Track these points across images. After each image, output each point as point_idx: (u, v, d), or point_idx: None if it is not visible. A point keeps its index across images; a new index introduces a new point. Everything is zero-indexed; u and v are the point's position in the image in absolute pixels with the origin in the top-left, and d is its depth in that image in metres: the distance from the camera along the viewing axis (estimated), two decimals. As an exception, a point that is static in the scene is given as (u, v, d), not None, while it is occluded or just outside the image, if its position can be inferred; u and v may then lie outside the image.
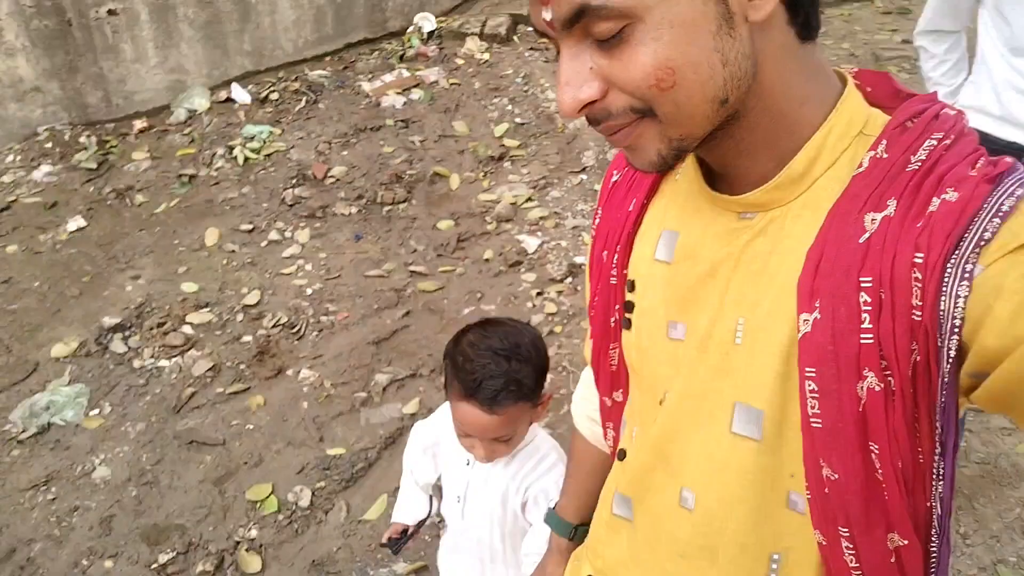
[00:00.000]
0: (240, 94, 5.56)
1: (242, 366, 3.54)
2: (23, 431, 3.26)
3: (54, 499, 3.00)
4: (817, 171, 0.79)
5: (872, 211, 0.74)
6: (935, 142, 0.75)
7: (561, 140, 5.02)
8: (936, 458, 0.75)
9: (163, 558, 2.76)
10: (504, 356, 1.55)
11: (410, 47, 6.17)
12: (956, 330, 0.70)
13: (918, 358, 0.72)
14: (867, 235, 0.73)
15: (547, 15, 0.73)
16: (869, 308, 0.73)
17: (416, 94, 5.55)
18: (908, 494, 0.77)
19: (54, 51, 5.14)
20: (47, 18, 5.05)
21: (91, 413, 3.34)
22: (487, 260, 4.12)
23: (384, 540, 1.85)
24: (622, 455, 1.03)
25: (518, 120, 5.25)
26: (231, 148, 5.02)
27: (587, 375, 1.29)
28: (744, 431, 0.83)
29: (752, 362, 0.82)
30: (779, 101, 0.78)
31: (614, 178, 1.04)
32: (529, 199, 4.55)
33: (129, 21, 5.31)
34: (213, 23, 5.60)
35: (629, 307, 0.98)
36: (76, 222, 4.48)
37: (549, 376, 1.69)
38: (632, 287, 0.98)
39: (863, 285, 0.73)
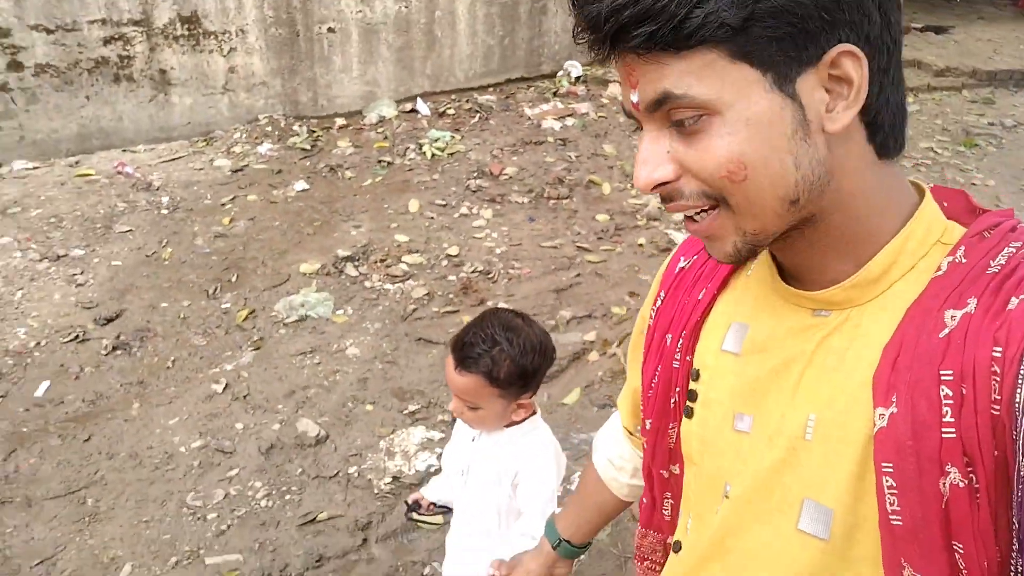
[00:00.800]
0: (422, 107, 6.59)
1: (450, 295, 4.39)
2: (286, 318, 4.13)
3: (319, 363, 3.85)
4: (894, 274, 0.81)
5: (952, 308, 0.75)
6: (1014, 249, 0.77)
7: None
8: (1013, 554, 0.71)
9: (411, 407, 3.57)
10: (496, 340, 1.70)
11: (561, 86, 7.19)
12: None
13: (996, 453, 0.71)
14: (947, 330, 0.74)
15: (634, 97, 0.77)
16: (950, 402, 0.72)
17: (571, 121, 6.52)
18: None
19: (282, 55, 6.24)
20: (282, 27, 6.17)
21: (337, 312, 4.21)
22: (640, 245, 4.97)
23: (407, 502, 2.12)
24: (677, 547, 1.02)
25: (660, 148, 6.18)
26: (420, 145, 6.01)
27: (615, 419, 1.34)
28: (810, 529, 0.81)
29: (823, 459, 0.81)
30: (858, 209, 0.80)
31: (681, 263, 1.06)
32: (673, 206, 5.41)
33: (343, 38, 6.40)
34: (405, 49, 6.68)
35: (692, 396, 0.98)
36: (301, 184, 5.46)
37: None
38: (697, 376, 0.98)
39: (943, 378, 0.72)
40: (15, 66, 5.43)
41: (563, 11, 7.27)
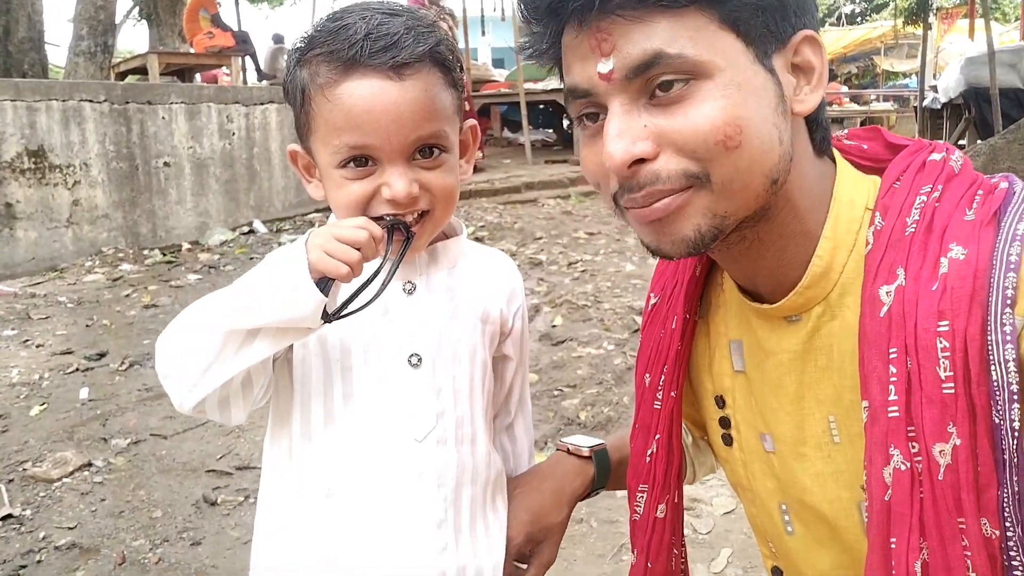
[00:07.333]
0: (259, 226, 7.11)
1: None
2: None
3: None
4: (840, 260, 0.80)
5: (884, 284, 0.73)
6: (924, 197, 0.75)
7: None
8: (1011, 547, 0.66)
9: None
10: (389, 12, 0.94)
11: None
12: (1015, 397, 0.66)
13: (958, 442, 0.67)
14: (886, 308, 0.72)
15: (605, 67, 0.72)
16: (895, 379, 0.70)
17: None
18: None
19: (122, 187, 6.49)
20: (122, 161, 6.48)
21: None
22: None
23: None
24: (777, 573, 0.97)
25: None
26: (281, 245, 6.51)
27: None
28: None
29: (856, 456, 0.77)
30: (801, 203, 0.79)
31: (652, 300, 1.02)
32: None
33: (177, 172, 6.82)
34: (231, 182, 7.24)
35: (725, 423, 0.95)
36: (193, 276, 5.67)
37: None
38: (723, 403, 0.95)
39: (891, 356, 0.71)
40: None
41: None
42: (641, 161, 0.72)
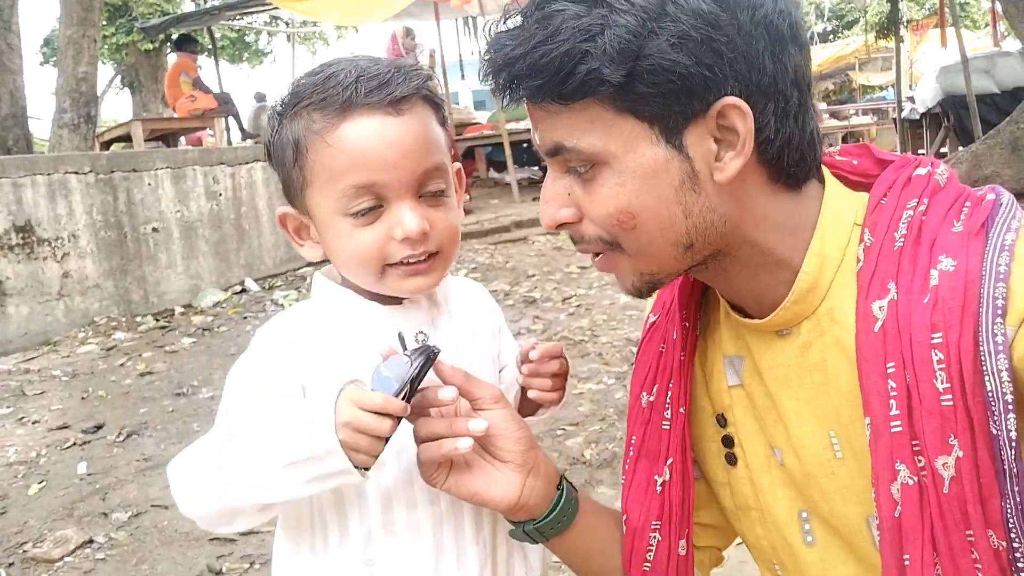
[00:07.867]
0: (251, 284, 7.11)
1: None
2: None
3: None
4: (827, 275, 0.80)
5: (877, 299, 0.74)
6: (911, 211, 0.76)
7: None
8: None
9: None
10: (371, 60, 0.96)
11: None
12: (1010, 407, 0.66)
13: (961, 454, 0.67)
14: (880, 323, 0.73)
15: (536, 140, 0.81)
16: (895, 394, 0.70)
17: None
18: None
19: (112, 256, 6.48)
20: (110, 230, 6.48)
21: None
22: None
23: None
24: None
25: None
26: (275, 302, 6.49)
27: None
28: None
29: (860, 470, 0.78)
30: (765, 239, 0.80)
31: (651, 320, 1.01)
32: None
33: (166, 237, 6.83)
34: (220, 243, 7.24)
35: (728, 441, 0.92)
36: (187, 340, 5.64)
37: None
38: (724, 421, 0.92)
39: (889, 371, 0.71)
40: None
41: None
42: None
